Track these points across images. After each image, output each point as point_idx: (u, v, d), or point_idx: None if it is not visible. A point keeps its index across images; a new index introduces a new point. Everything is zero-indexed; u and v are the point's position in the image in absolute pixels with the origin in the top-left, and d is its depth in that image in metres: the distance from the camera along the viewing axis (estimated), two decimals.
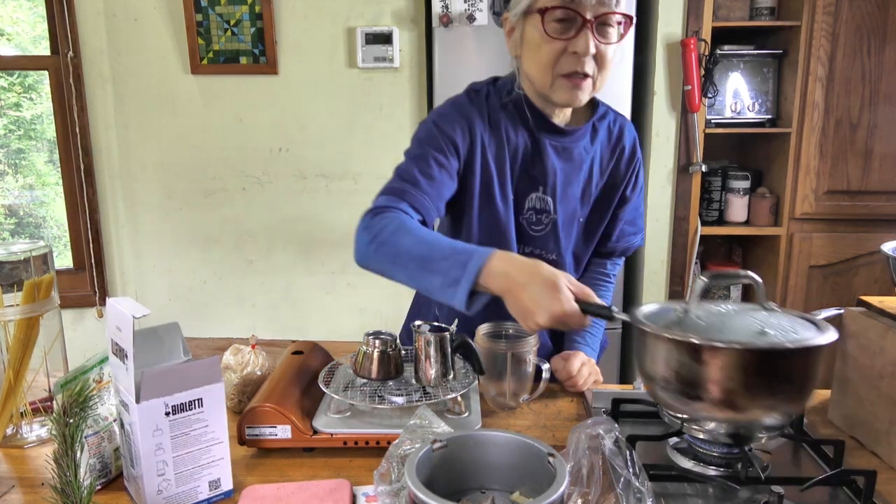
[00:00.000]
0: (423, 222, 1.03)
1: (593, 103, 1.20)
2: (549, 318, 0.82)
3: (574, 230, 1.21)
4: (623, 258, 1.36)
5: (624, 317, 0.81)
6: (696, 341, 0.71)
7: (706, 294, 0.79)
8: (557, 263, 1.19)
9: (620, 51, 1.07)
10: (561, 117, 1.15)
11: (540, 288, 0.83)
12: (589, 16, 0.98)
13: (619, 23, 1.03)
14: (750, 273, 0.78)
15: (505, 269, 0.86)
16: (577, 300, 0.84)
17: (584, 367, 1.14)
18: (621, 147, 1.20)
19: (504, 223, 1.15)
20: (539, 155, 1.14)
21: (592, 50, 1.00)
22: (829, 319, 1.00)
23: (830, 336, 0.73)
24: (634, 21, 1.05)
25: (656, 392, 0.77)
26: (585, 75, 1.03)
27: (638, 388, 1.12)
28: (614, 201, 1.22)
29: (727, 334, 0.72)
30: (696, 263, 2.60)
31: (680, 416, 0.80)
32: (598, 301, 0.85)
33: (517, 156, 1.13)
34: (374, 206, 1.03)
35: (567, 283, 0.84)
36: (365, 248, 0.99)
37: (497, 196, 1.13)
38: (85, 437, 0.82)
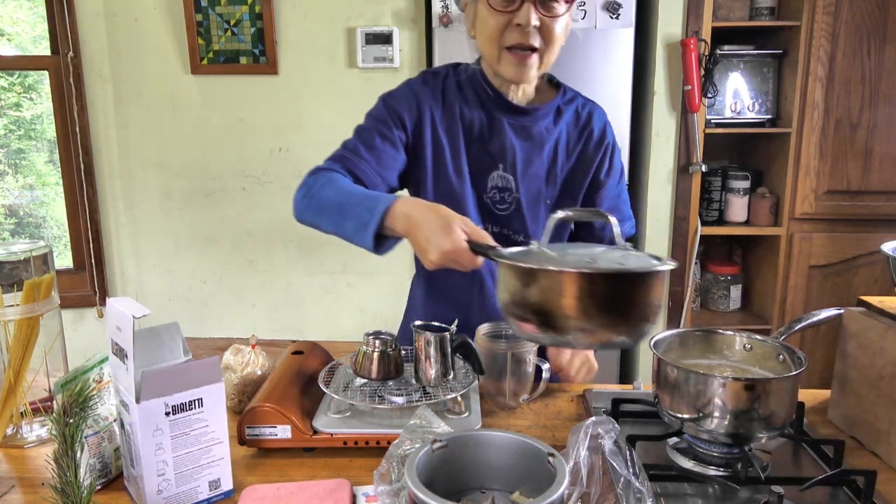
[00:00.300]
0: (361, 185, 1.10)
1: (558, 86, 1.21)
2: (439, 256, 0.88)
3: (541, 212, 1.20)
4: None
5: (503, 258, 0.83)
6: (518, 263, 0.75)
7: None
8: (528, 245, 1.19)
9: (571, 28, 1.12)
10: (520, 96, 1.16)
11: (433, 227, 0.89)
12: None
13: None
14: (599, 210, 0.83)
15: (406, 211, 0.93)
16: (469, 241, 0.87)
17: (576, 357, 1.13)
18: (589, 130, 1.20)
19: (459, 198, 1.16)
20: (496, 132, 1.15)
21: (535, 22, 1.02)
22: (829, 319, 1.01)
23: (650, 267, 0.73)
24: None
25: (507, 319, 0.81)
26: (532, 50, 1.05)
27: (638, 387, 1.12)
28: (584, 185, 1.21)
29: (558, 263, 0.74)
30: (696, 263, 2.60)
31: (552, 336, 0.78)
32: (490, 243, 0.87)
33: (472, 132, 1.16)
34: (314, 168, 1.11)
35: (461, 224, 0.89)
36: (299, 202, 1.09)
37: (450, 170, 1.16)
38: (85, 437, 0.82)
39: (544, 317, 0.74)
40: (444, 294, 1.24)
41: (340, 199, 1.02)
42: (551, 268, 0.72)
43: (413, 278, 1.35)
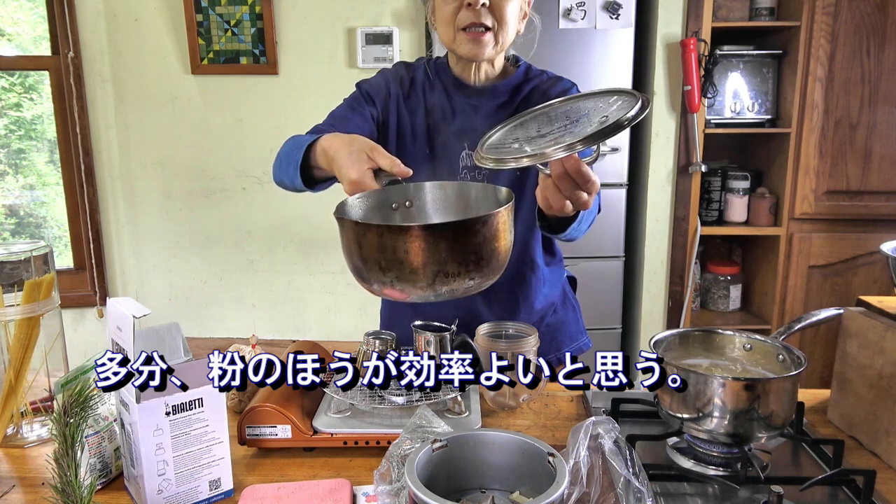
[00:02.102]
0: None
1: (507, 71, 1.22)
2: (349, 185, 0.90)
3: (512, 181, 1.20)
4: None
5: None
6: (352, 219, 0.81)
7: None
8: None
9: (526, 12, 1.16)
10: (482, 78, 1.20)
11: (344, 158, 0.91)
12: None
13: None
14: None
15: (325, 145, 0.98)
16: (376, 169, 0.89)
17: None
18: (549, 97, 1.18)
19: (426, 178, 1.18)
20: (457, 114, 1.20)
21: (483, 0, 1.06)
22: (829, 319, 1.01)
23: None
24: None
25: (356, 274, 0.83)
26: (486, 28, 1.09)
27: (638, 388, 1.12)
28: None
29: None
30: (695, 263, 2.61)
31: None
32: (401, 169, 0.89)
33: (435, 115, 1.21)
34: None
35: (369, 152, 0.90)
36: (273, 166, 1.15)
37: (414, 151, 1.21)
38: (85, 437, 0.82)
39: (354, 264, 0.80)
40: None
41: (289, 148, 1.09)
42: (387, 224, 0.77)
43: None
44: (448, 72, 1.22)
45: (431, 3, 1.16)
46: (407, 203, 0.90)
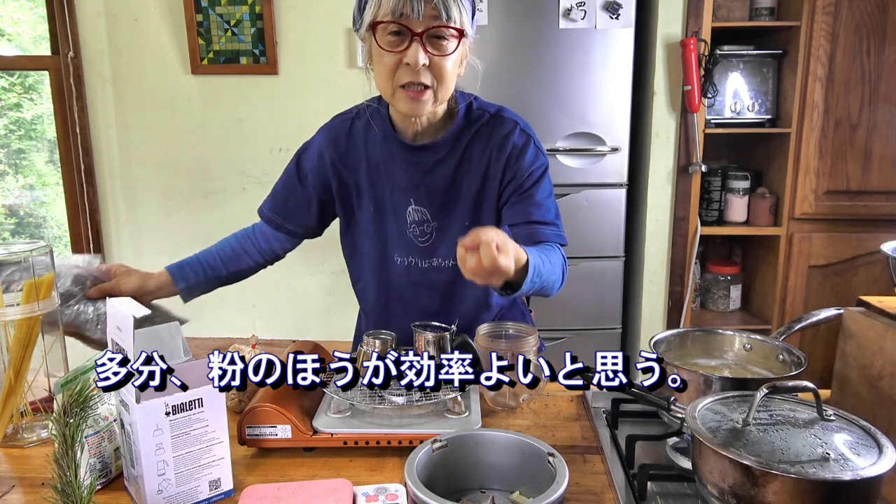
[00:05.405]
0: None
1: (453, 112, 1.18)
2: None
3: (461, 233, 1.13)
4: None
5: None
6: (753, 465, 0.69)
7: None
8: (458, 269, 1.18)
9: (467, 63, 1.13)
10: (424, 123, 1.15)
11: None
12: (418, 29, 1.00)
13: (455, 36, 1.04)
14: (807, 384, 0.75)
15: None
16: None
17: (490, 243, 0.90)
18: (493, 144, 1.17)
19: (380, 234, 1.22)
20: (400, 169, 1.19)
21: (423, 61, 1.02)
22: (829, 319, 1.01)
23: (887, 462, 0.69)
24: (471, 36, 1.08)
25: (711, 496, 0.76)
26: (424, 87, 1.05)
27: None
28: (494, 197, 1.19)
29: (788, 455, 0.70)
30: (695, 263, 2.61)
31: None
32: None
33: (379, 170, 1.20)
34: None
35: None
36: None
37: (360, 207, 1.23)
38: (85, 437, 0.82)
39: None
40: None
41: None
42: (814, 478, 0.68)
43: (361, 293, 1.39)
44: (387, 119, 1.18)
45: (368, 50, 1.10)
46: None
